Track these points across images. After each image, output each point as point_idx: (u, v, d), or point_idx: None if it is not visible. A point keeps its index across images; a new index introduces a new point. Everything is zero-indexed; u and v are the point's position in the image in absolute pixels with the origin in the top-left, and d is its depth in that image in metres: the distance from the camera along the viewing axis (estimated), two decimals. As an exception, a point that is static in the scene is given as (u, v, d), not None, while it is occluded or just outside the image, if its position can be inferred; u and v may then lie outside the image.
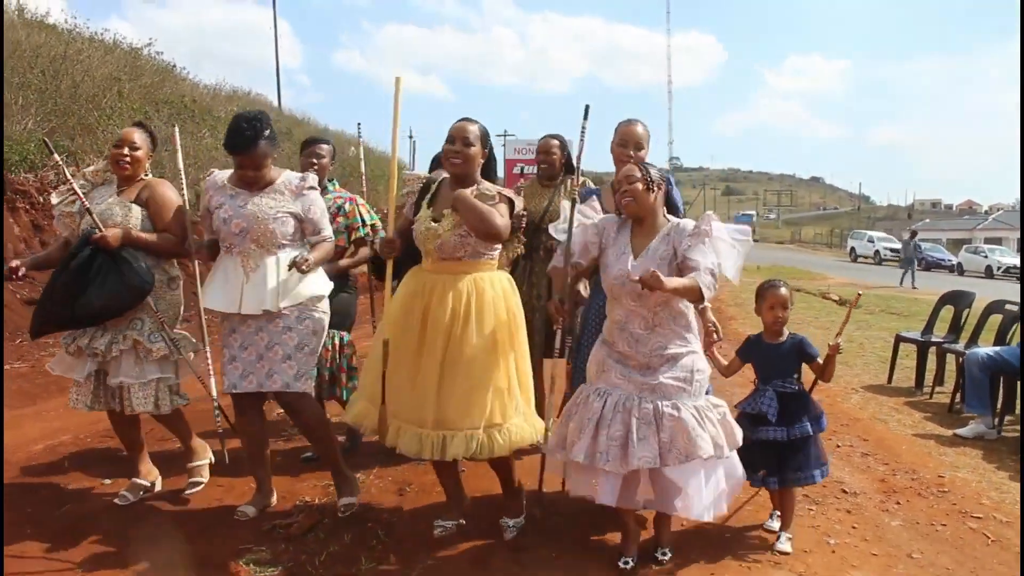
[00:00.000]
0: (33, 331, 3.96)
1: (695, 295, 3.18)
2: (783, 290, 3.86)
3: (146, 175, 4.11)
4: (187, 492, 4.18)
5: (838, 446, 5.59)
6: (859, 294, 4.73)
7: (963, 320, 7.52)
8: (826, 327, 12.12)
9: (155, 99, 17.70)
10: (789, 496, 3.86)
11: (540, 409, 4.79)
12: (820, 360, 3.85)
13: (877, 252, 44.23)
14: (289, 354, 3.73)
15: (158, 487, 4.25)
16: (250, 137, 3.65)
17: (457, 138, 3.57)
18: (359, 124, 4.74)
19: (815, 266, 36.51)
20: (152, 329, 3.93)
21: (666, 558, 3.51)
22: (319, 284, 3.86)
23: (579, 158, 4.16)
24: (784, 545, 3.73)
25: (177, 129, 4.43)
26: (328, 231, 3.91)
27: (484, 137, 3.63)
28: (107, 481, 4.42)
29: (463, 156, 3.55)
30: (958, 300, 7.75)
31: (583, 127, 3.97)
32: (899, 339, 8.07)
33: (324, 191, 4.63)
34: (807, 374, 3.93)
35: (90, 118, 13.89)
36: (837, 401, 7.03)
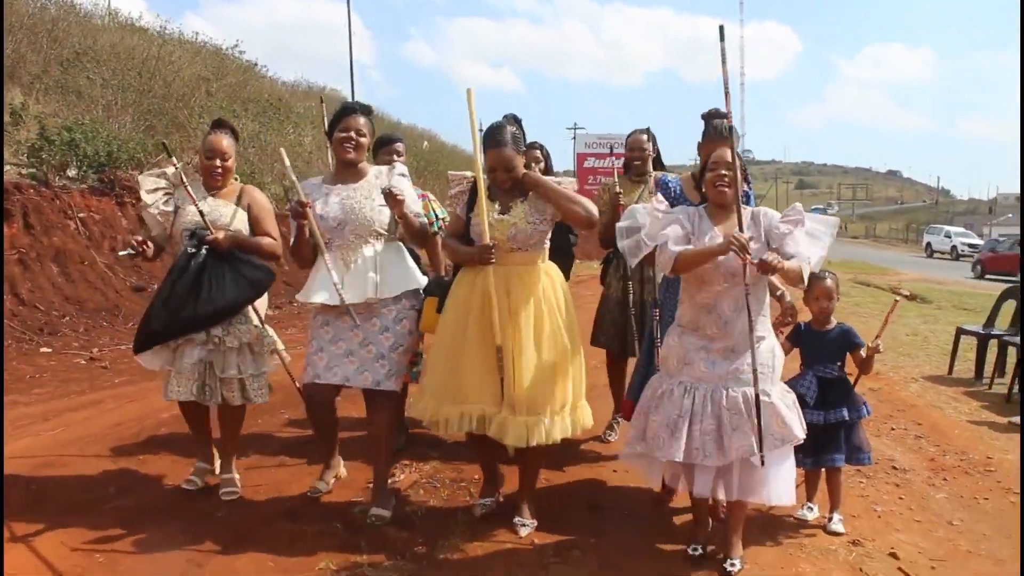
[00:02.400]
0: (141, 343, 3.91)
1: (798, 279, 3.29)
2: (828, 281, 4.04)
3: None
4: (223, 498, 4.07)
5: (892, 429, 5.85)
6: (899, 298, 4.95)
7: (1026, 313, 7.65)
8: (892, 321, 12.22)
9: (240, 97, 18.50)
10: (835, 479, 3.96)
11: (618, 399, 5.18)
12: (863, 352, 4.01)
13: (954, 248, 43.20)
14: (383, 353, 3.77)
15: (218, 471, 4.24)
16: (360, 107, 3.86)
17: (499, 166, 3.65)
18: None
19: (888, 262, 35.95)
20: (257, 324, 4.05)
21: (735, 569, 3.37)
22: (416, 277, 3.92)
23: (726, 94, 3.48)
24: (837, 526, 3.86)
25: (284, 151, 4.30)
26: (422, 218, 3.93)
27: (517, 140, 3.69)
28: (197, 481, 4.25)
29: (510, 180, 3.68)
30: (1020, 294, 7.87)
31: (722, 49, 3.31)
32: (960, 332, 8.23)
33: None
34: (851, 366, 4.13)
35: (180, 116, 14.64)
36: (896, 389, 7.25)
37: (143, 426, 5.22)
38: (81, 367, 7.05)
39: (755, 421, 3.25)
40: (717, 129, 3.91)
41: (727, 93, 3.35)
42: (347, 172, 3.88)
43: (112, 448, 4.79)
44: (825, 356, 3.98)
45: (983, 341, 7.77)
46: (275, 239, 4.08)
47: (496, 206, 3.69)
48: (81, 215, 9.42)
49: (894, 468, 4.91)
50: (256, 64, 23.98)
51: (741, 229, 3.23)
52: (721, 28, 3.33)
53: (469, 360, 3.61)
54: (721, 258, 3.27)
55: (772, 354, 3.42)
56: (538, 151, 5.02)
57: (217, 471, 4.22)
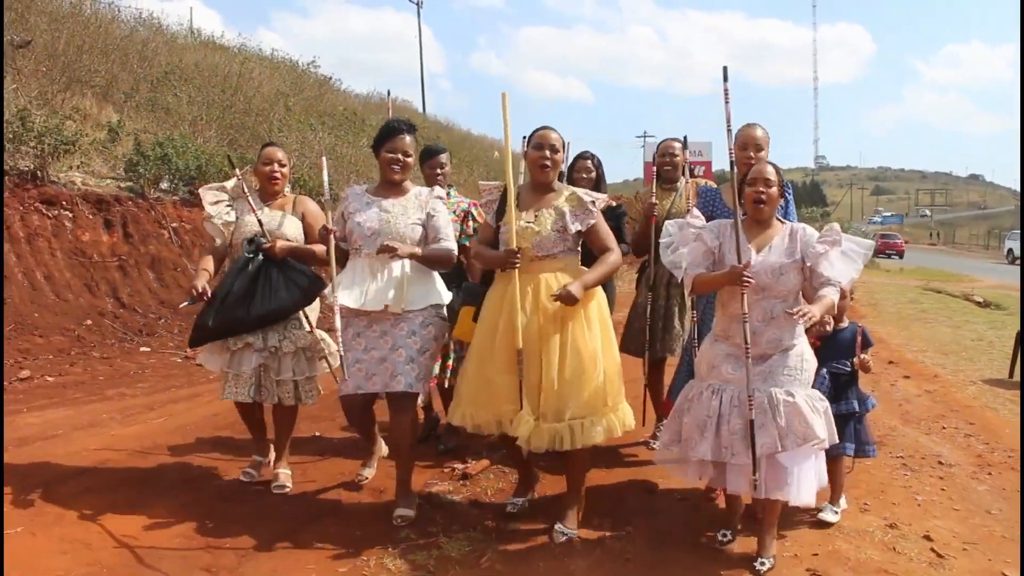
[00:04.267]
0: (196, 339, 4.23)
1: (831, 311, 3.47)
2: None
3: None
4: (275, 491, 4.28)
5: (944, 428, 6.03)
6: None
7: (1086, 316, 7.73)
8: (958, 326, 12.24)
9: (316, 110, 19.23)
10: (837, 469, 4.02)
11: (658, 406, 5.20)
12: (866, 356, 4.06)
13: (1037, 254, 42.01)
14: (412, 357, 3.87)
15: (272, 463, 4.48)
16: (407, 126, 4.00)
17: (545, 146, 3.83)
18: (524, 137, 4.23)
19: (964, 268, 35.19)
20: (308, 334, 4.27)
21: (764, 568, 3.46)
22: (440, 293, 4.07)
23: (728, 124, 3.82)
24: (829, 515, 3.99)
25: (325, 159, 4.72)
26: (449, 242, 4.03)
27: (564, 144, 3.95)
28: (254, 473, 4.50)
29: (553, 163, 3.84)
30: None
31: (725, 90, 3.68)
32: (1021, 336, 8.29)
33: (448, 197, 4.71)
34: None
35: (260, 130, 15.34)
36: (952, 391, 7.39)
37: (236, 417, 5.69)
38: (178, 364, 7.67)
39: (779, 420, 3.40)
40: (747, 124, 4.24)
41: (729, 130, 3.69)
42: (391, 187, 4.04)
43: (209, 435, 5.29)
44: (839, 353, 4.06)
45: (1042, 345, 7.84)
46: (323, 247, 4.16)
47: (524, 214, 3.82)
48: (174, 225, 10.08)
49: (940, 463, 5.12)
50: (331, 78, 24.86)
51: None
52: (725, 69, 3.66)
53: (499, 365, 3.71)
54: (752, 271, 3.42)
55: (801, 359, 3.54)
56: (589, 160, 5.04)
57: (271, 465, 4.47)
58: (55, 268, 8.56)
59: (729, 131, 3.70)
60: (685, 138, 5.28)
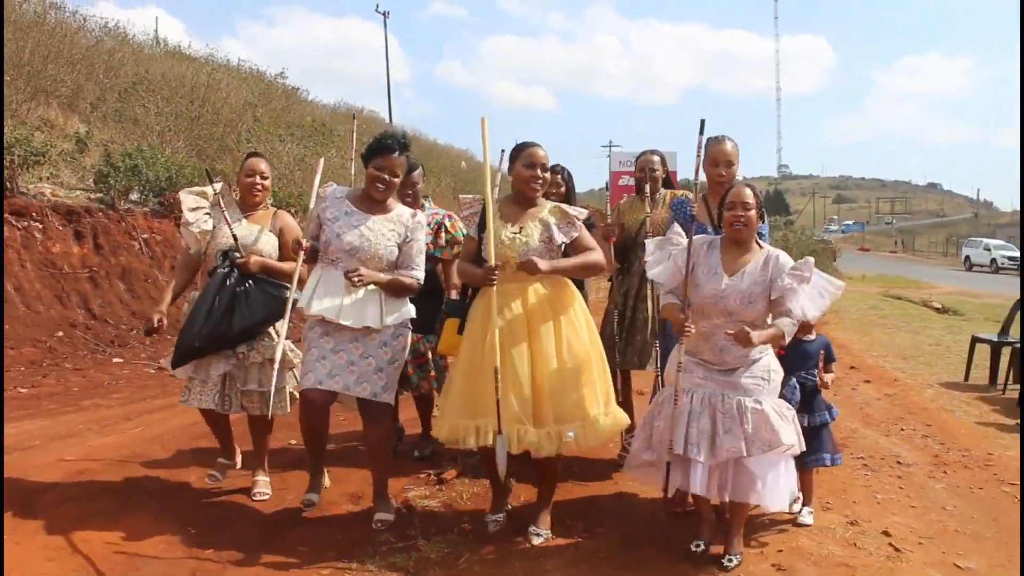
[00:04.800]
0: (180, 359, 4.19)
1: (779, 340, 3.54)
2: None
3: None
4: (255, 499, 4.35)
5: (902, 429, 6.25)
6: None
7: (1039, 321, 8.04)
8: (917, 331, 12.56)
9: (284, 121, 19.25)
10: (808, 477, 4.15)
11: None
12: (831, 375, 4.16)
13: (993, 260, 42.90)
14: (382, 367, 3.94)
15: (239, 466, 4.60)
16: (400, 145, 3.96)
17: (536, 164, 3.86)
18: (502, 151, 4.22)
19: (924, 275, 35.87)
20: (277, 341, 4.19)
21: (732, 564, 3.58)
22: (409, 311, 4.09)
23: (697, 171, 4.05)
24: (806, 518, 4.12)
25: (322, 160, 4.71)
26: (418, 272, 4.05)
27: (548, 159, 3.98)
28: (218, 475, 4.54)
29: (544, 180, 3.91)
30: (1021, 298, 8.28)
31: (699, 143, 3.91)
32: (975, 340, 8.58)
33: (422, 209, 4.81)
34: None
35: (229, 141, 15.35)
36: (911, 395, 7.63)
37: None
38: (152, 375, 7.70)
39: (746, 427, 3.49)
40: (715, 137, 4.28)
41: (696, 186, 3.92)
42: (372, 202, 4.02)
43: (186, 444, 5.34)
44: (807, 364, 4.13)
45: (996, 348, 8.12)
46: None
47: (508, 225, 3.87)
48: (144, 236, 10.09)
49: (898, 463, 5.32)
50: (298, 89, 24.89)
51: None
52: (702, 122, 3.81)
53: (486, 378, 3.72)
54: (719, 296, 3.55)
55: (768, 369, 3.63)
56: (559, 175, 5.00)
57: (238, 466, 4.59)
58: (25, 280, 8.55)
59: (696, 186, 3.90)
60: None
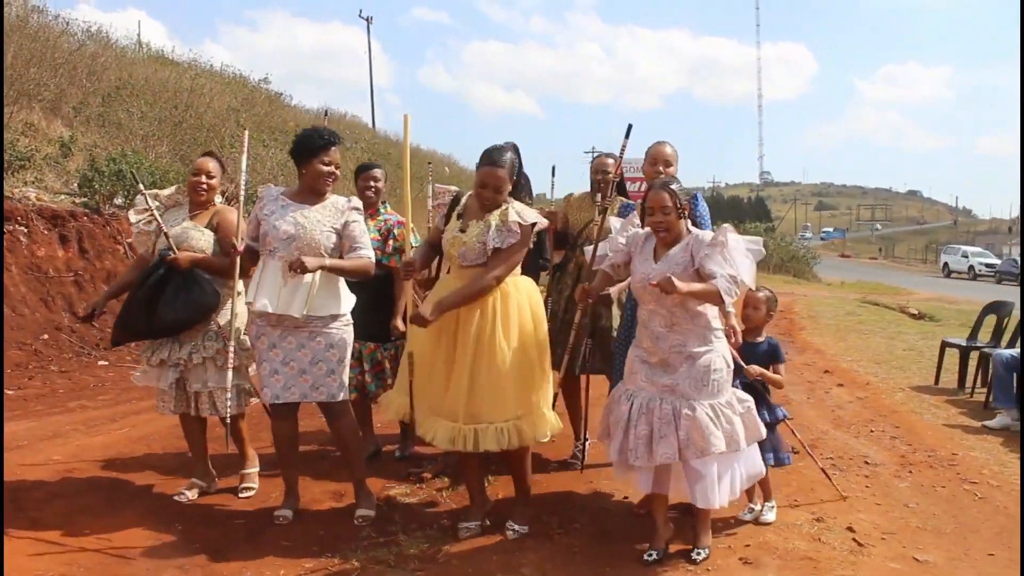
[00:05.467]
0: (113, 340, 4.58)
1: (714, 298, 3.53)
2: (760, 294, 4.29)
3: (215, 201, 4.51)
4: (241, 496, 4.50)
5: (872, 431, 6.42)
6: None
7: (1004, 326, 8.24)
8: (892, 336, 12.78)
9: (268, 126, 19.35)
10: (766, 476, 4.17)
11: (576, 425, 5.21)
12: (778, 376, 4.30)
13: (971, 267, 43.55)
14: (333, 369, 4.03)
15: (213, 488, 4.58)
16: (337, 138, 4.07)
17: (489, 185, 3.87)
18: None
19: (904, 282, 36.33)
20: (223, 340, 4.30)
21: (700, 558, 3.73)
22: (343, 303, 4.11)
23: (617, 172, 4.64)
24: (769, 515, 4.24)
25: (247, 133, 4.76)
26: (366, 250, 4.08)
27: (513, 167, 3.91)
28: (188, 495, 4.47)
29: (493, 202, 3.89)
30: (999, 308, 8.49)
31: (623, 145, 4.35)
32: (944, 344, 8.79)
33: (377, 213, 5.01)
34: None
35: (212, 146, 15.41)
36: (881, 398, 7.81)
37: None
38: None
39: (680, 433, 3.59)
40: (658, 141, 4.59)
41: (623, 178, 4.20)
42: (311, 195, 4.08)
43: (172, 444, 5.41)
44: (753, 364, 4.20)
45: (965, 353, 8.33)
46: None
47: (458, 223, 3.95)
48: (129, 240, 10.13)
49: (866, 463, 5.49)
50: (281, 94, 24.95)
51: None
52: (629, 126, 4.04)
53: (431, 375, 3.93)
54: (646, 279, 3.62)
55: (708, 369, 3.65)
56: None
57: (215, 487, 4.57)
58: (10, 283, 8.59)
59: (623, 178, 4.21)
60: (621, 154, 5.14)
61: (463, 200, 4.07)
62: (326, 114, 6.13)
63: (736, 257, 3.63)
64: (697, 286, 3.52)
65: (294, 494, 4.31)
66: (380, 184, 5.07)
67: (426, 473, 4.89)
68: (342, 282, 4.13)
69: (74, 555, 3.64)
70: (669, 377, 3.67)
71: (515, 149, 3.99)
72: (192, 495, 4.44)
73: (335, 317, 4.06)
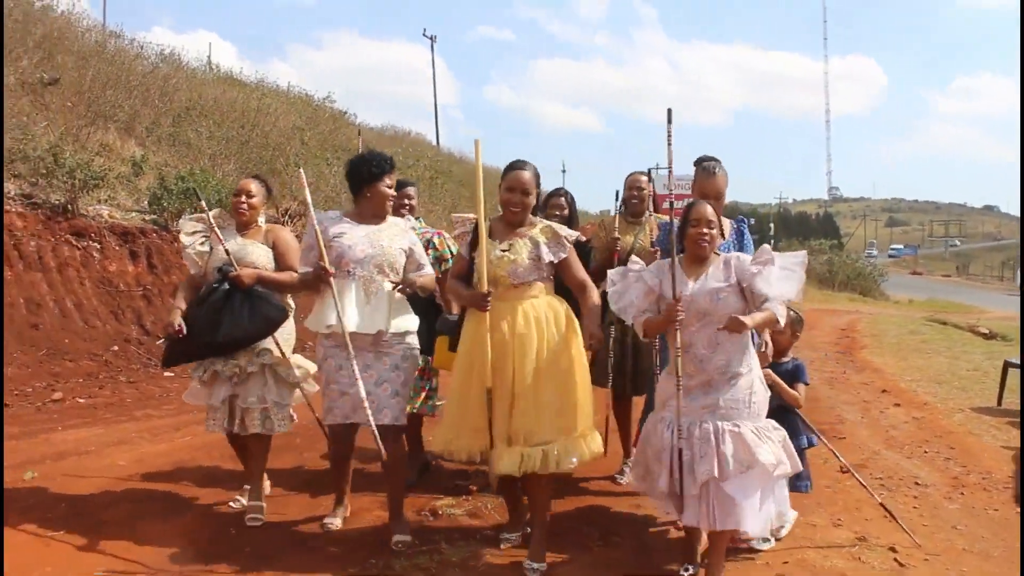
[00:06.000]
0: (168, 361, 4.53)
1: (774, 324, 3.60)
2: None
3: (260, 220, 4.54)
4: (248, 524, 4.32)
5: (925, 452, 6.34)
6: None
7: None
8: (956, 356, 12.50)
9: (332, 144, 19.77)
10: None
11: (627, 443, 5.25)
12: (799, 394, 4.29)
13: (1049, 285, 42.17)
14: (397, 391, 4.09)
15: (267, 491, 4.66)
16: (392, 164, 4.22)
17: (516, 188, 3.91)
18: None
19: (977, 300, 35.41)
20: (277, 356, 4.38)
21: None
22: (415, 319, 4.24)
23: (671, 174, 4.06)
24: (761, 545, 4.08)
25: (302, 170, 4.76)
26: (429, 267, 4.31)
27: (536, 176, 3.97)
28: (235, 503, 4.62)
29: (523, 206, 3.92)
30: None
31: (668, 131, 3.89)
32: (1007, 365, 8.60)
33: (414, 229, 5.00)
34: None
35: (277, 164, 15.83)
36: (939, 418, 7.68)
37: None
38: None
39: (722, 448, 3.52)
40: (705, 168, 4.31)
41: (670, 171, 3.88)
42: (372, 219, 4.20)
43: (231, 453, 5.57)
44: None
45: (1027, 373, 8.14)
46: (295, 274, 4.34)
47: (498, 243, 3.92)
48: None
49: (916, 483, 5.43)
50: (345, 112, 25.46)
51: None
52: (669, 111, 3.85)
53: (477, 399, 3.82)
54: (689, 301, 3.58)
55: (749, 391, 3.64)
56: (562, 198, 5.12)
57: (267, 492, 4.62)
58: (84, 296, 9.02)
59: (670, 171, 3.89)
60: (650, 171, 5.37)
61: (487, 225, 4.01)
62: (359, 133, 6.20)
63: (782, 275, 3.65)
64: (759, 317, 3.54)
65: (343, 504, 4.40)
66: (414, 201, 5.14)
67: (472, 486, 5.00)
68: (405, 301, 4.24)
69: (135, 553, 3.84)
70: (710, 397, 3.62)
71: (535, 168, 4.02)
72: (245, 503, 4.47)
73: (401, 337, 4.14)
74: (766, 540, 4.09)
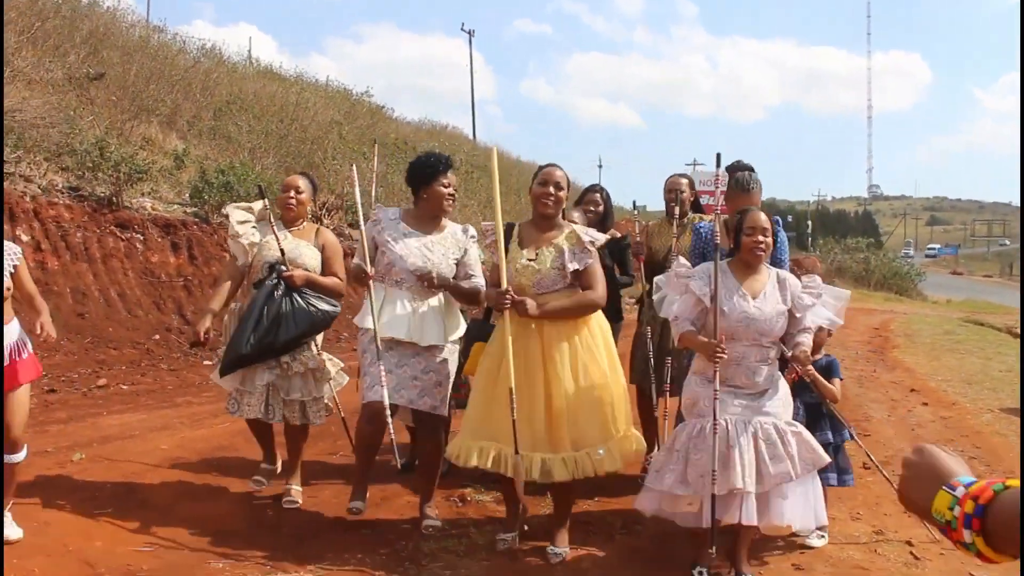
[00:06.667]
0: (228, 367, 4.32)
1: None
2: None
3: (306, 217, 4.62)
4: (285, 506, 4.49)
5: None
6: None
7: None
8: (989, 357, 12.42)
9: (369, 138, 20.01)
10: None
11: (651, 441, 5.09)
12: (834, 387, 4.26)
13: (1093, 287, 41.36)
14: (440, 381, 4.17)
15: (280, 470, 4.75)
16: (452, 161, 4.29)
17: (550, 182, 3.93)
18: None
19: (1017, 301, 34.80)
20: (318, 356, 4.48)
21: None
22: (463, 325, 4.39)
23: (718, 203, 4.37)
24: (815, 541, 4.17)
25: (355, 168, 4.76)
26: (479, 279, 4.27)
27: (567, 177, 4.04)
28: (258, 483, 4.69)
29: (556, 199, 3.93)
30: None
31: (717, 174, 4.11)
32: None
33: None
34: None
35: (316, 158, 16.09)
36: (967, 418, 7.69)
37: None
38: (237, 377, 8.32)
39: (789, 449, 3.59)
40: (739, 182, 4.37)
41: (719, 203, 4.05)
42: (430, 222, 4.23)
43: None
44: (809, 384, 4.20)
45: (1058, 375, 8.12)
46: (341, 280, 4.53)
47: (523, 252, 3.94)
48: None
49: (939, 481, 5.48)
50: (383, 107, 25.73)
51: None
52: (718, 156, 4.02)
53: (498, 402, 3.83)
54: (750, 319, 3.64)
55: (787, 393, 3.83)
56: (598, 194, 5.22)
57: (279, 470, 4.72)
58: (127, 287, 9.32)
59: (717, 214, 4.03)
60: (690, 177, 5.41)
61: (515, 231, 4.06)
62: (375, 143, 6.20)
63: (823, 309, 3.89)
64: (809, 342, 3.78)
65: (363, 489, 4.25)
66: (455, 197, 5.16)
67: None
68: (457, 306, 4.35)
69: (178, 531, 4.05)
70: (758, 402, 3.69)
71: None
72: (266, 480, 4.62)
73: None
74: (821, 536, 4.17)
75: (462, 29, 40.18)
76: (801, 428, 3.74)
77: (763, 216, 3.77)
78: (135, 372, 8.04)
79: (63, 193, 9.65)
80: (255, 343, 4.21)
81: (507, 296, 3.76)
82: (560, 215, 4.05)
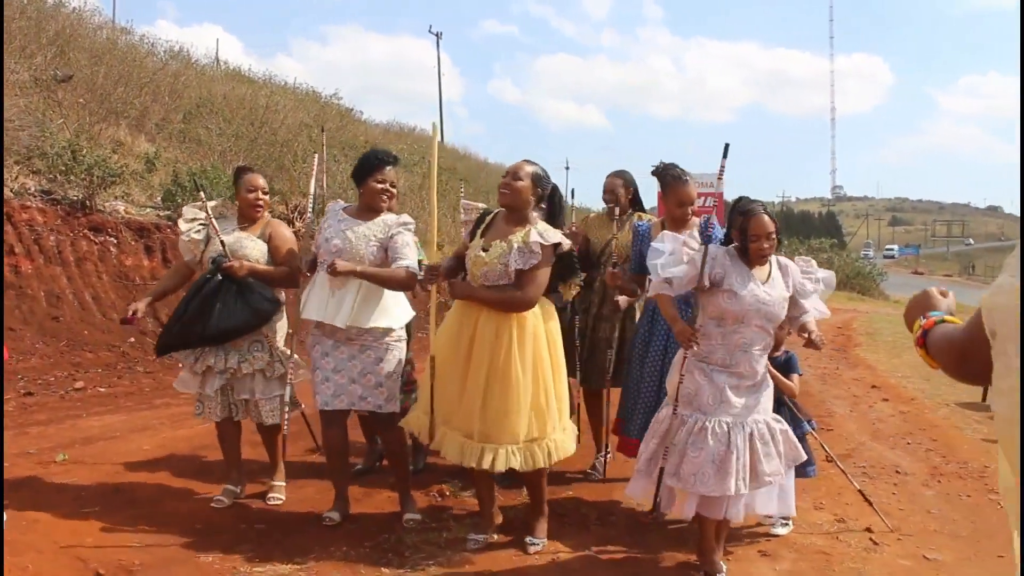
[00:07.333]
0: (160, 349, 4.50)
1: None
2: None
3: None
4: (269, 503, 4.62)
5: (908, 443, 6.65)
6: None
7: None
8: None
9: (339, 141, 20.05)
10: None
11: (598, 438, 5.37)
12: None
13: (1049, 286, 42.24)
14: (380, 382, 4.22)
15: (242, 494, 4.70)
16: (392, 158, 4.33)
17: (509, 172, 4.01)
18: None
19: (976, 300, 35.40)
20: (270, 350, 4.49)
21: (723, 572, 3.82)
22: (394, 317, 4.28)
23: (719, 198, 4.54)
24: (779, 530, 4.38)
25: (317, 157, 4.94)
26: (407, 261, 4.17)
27: (537, 178, 3.99)
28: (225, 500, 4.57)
29: (511, 188, 3.94)
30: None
31: (721, 166, 4.18)
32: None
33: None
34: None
35: (285, 161, 16.09)
36: (925, 412, 7.98)
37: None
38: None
39: (778, 448, 3.75)
40: (676, 176, 4.50)
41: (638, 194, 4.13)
42: (367, 213, 4.29)
43: (247, 438, 5.90)
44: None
45: (1012, 371, 8.42)
46: (286, 269, 4.49)
47: (481, 243, 4.01)
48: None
49: (897, 472, 5.74)
50: (352, 109, 25.78)
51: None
52: (726, 146, 4.13)
53: (444, 381, 4.00)
54: (762, 303, 3.67)
55: (771, 388, 3.91)
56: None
57: (243, 494, 4.67)
58: (102, 290, 9.34)
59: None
60: (625, 177, 5.33)
61: (487, 219, 4.15)
62: (322, 130, 6.28)
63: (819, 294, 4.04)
64: (815, 325, 3.92)
65: (343, 499, 4.43)
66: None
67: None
68: (394, 297, 4.30)
69: (165, 529, 4.16)
70: (753, 397, 3.76)
71: (543, 169, 4.11)
72: (227, 500, 4.54)
73: (386, 332, 4.23)
74: (785, 524, 4.39)
75: (430, 31, 40.34)
76: (785, 424, 3.91)
77: (767, 220, 3.73)
78: (111, 375, 8.08)
79: (36, 196, 9.65)
80: (177, 332, 4.35)
81: (432, 272, 4.06)
82: (530, 210, 4.03)
